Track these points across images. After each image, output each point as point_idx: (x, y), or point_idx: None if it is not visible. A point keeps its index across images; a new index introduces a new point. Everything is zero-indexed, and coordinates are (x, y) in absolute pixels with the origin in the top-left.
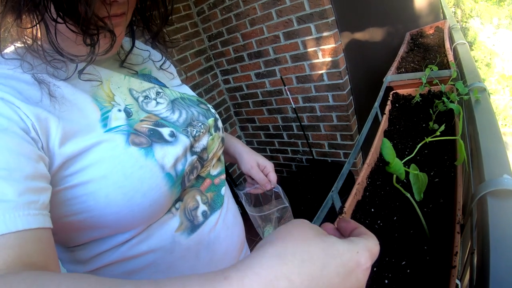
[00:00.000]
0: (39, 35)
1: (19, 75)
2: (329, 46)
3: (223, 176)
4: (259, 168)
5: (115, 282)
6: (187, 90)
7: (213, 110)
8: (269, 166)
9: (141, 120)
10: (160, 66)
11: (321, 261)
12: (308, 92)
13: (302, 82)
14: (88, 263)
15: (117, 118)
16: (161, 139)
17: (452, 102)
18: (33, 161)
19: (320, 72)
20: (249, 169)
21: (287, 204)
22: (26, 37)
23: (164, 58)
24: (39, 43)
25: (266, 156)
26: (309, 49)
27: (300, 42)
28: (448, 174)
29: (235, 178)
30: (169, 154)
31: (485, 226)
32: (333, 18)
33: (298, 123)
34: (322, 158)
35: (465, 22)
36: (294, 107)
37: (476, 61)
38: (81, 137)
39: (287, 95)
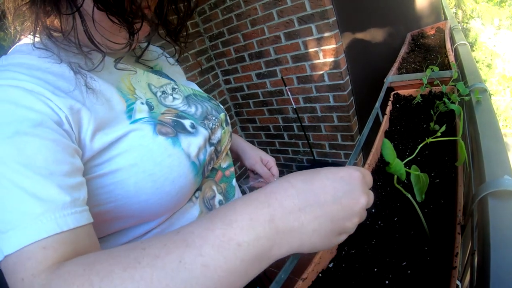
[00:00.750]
0: (67, 27)
1: (48, 66)
2: (330, 46)
3: (232, 169)
4: (262, 162)
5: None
6: (195, 87)
7: (221, 106)
8: (271, 160)
9: (162, 113)
10: (177, 60)
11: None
12: (309, 92)
13: (303, 83)
14: None
15: (141, 111)
16: (184, 129)
17: (453, 103)
18: (69, 156)
19: (321, 72)
20: (253, 164)
21: None
22: (53, 29)
23: (175, 53)
24: (65, 34)
25: None
26: (310, 50)
27: (301, 43)
28: (449, 175)
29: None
30: (193, 144)
31: (485, 227)
32: (334, 18)
33: (299, 124)
34: (322, 158)
35: (466, 23)
36: (295, 107)
37: (477, 62)
38: (110, 128)
39: (288, 95)
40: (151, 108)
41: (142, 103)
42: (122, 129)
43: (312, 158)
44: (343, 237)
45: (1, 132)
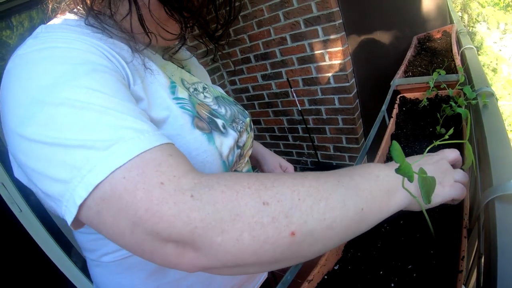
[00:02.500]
0: (120, 10)
1: (107, 43)
2: (336, 49)
3: None
4: (281, 169)
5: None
6: (222, 91)
7: (246, 112)
8: (290, 167)
9: (198, 104)
10: (213, 59)
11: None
12: (314, 94)
13: (309, 85)
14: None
15: (182, 91)
16: (217, 128)
17: (459, 106)
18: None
19: (327, 74)
20: (273, 170)
21: None
22: (96, 10)
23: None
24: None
25: None
26: (316, 52)
27: (307, 45)
28: None
29: None
30: (225, 144)
31: (492, 231)
32: (341, 21)
33: (304, 126)
34: (327, 161)
35: (472, 26)
36: (300, 109)
37: (482, 66)
38: (152, 101)
39: (293, 97)
40: (189, 94)
41: (181, 87)
42: (166, 102)
43: (317, 160)
44: (447, 189)
45: (78, 69)
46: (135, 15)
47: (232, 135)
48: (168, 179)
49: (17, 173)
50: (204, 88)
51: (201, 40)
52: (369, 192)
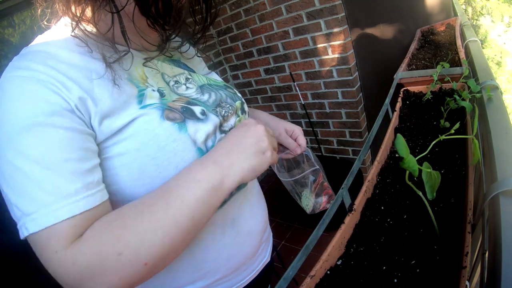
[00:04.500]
0: (104, 21)
1: (68, 56)
2: (339, 42)
3: None
4: (287, 133)
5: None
6: (216, 77)
7: (239, 94)
8: (297, 130)
9: (173, 101)
10: (196, 54)
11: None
12: (317, 88)
13: (312, 78)
14: None
15: (152, 97)
16: (193, 116)
17: (463, 100)
18: (83, 140)
19: (330, 68)
20: (278, 136)
21: (318, 167)
22: (85, 23)
23: (193, 48)
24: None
25: None
26: (319, 45)
27: (310, 38)
28: (459, 173)
29: None
30: (201, 130)
31: (497, 227)
32: (343, 14)
33: (307, 120)
34: (330, 155)
35: (476, 19)
36: (303, 103)
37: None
38: (119, 114)
39: (296, 91)
40: (162, 95)
41: (154, 90)
42: (132, 114)
43: (320, 154)
44: (269, 154)
45: (19, 124)
46: (118, 27)
47: (212, 121)
48: (60, 250)
49: None
50: (187, 79)
51: (186, 41)
52: (194, 200)
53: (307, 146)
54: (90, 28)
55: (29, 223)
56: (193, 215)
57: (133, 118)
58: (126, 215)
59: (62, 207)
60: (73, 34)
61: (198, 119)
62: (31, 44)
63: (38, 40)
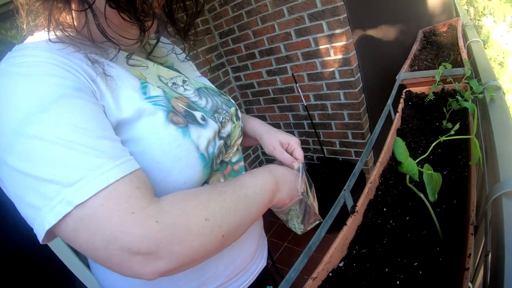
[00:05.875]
0: (80, 22)
1: (71, 58)
2: (341, 43)
3: (242, 163)
4: (283, 147)
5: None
6: (207, 82)
7: (232, 101)
8: (293, 142)
9: (176, 98)
10: (186, 57)
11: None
12: (320, 89)
13: (314, 80)
14: None
15: (155, 89)
16: (195, 121)
17: (466, 100)
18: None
19: (332, 69)
20: (272, 151)
21: (303, 192)
22: (66, 25)
23: (185, 49)
24: (78, 30)
25: None
26: (321, 47)
27: (312, 40)
28: (462, 174)
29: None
30: (202, 136)
31: (500, 228)
32: (345, 15)
33: (309, 121)
34: (333, 156)
35: (478, 20)
36: (305, 104)
37: (489, 59)
38: (123, 106)
39: (299, 92)
40: (164, 91)
41: (155, 86)
42: (138, 104)
43: (323, 155)
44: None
45: (46, 98)
46: (94, 25)
47: (211, 127)
48: (138, 209)
49: None
50: (184, 81)
51: (176, 37)
52: (261, 187)
53: (310, 150)
54: (73, 33)
55: (77, 192)
56: (258, 202)
57: (138, 112)
58: (208, 189)
59: (116, 166)
60: (53, 39)
61: (199, 124)
62: (21, 49)
63: (26, 48)
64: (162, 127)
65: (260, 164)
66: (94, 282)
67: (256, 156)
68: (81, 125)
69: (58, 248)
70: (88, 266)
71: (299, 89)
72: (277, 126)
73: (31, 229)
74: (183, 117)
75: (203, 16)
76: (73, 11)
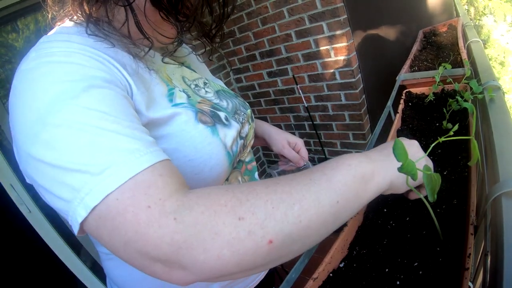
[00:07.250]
0: (117, 17)
1: (105, 50)
2: (342, 44)
3: (254, 163)
4: (290, 146)
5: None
6: (222, 84)
7: (247, 103)
8: (299, 142)
9: (199, 102)
10: (209, 57)
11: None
12: (320, 91)
13: (314, 81)
14: None
15: (181, 97)
16: (220, 121)
17: (466, 101)
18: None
19: (333, 70)
20: (281, 149)
21: None
22: (95, 17)
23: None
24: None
25: None
26: (321, 48)
27: (312, 41)
28: (462, 174)
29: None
30: (228, 135)
31: (499, 228)
32: (345, 16)
33: (310, 122)
34: (334, 157)
35: (479, 19)
36: (306, 106)
37: (490, 59)
38: (154, 108)
39: (299, 94)
40: (188, 96)
41: (180, 91)
42: (166, 110)
43: (324, 157)
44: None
45: (76, 86)
46: (133, 22)
47: (235, 126)
48: (155, 202)
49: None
50: (205, 84)
51: (200, 40)
52: (343, 184)
53: (311, 151)
54: (106, 26)
55: (104, 181)
56: (338, 199)
57: (171, 115)
58: (254, 184)
59: (145, 154)
60: (89, 32)
61: (224, 124)
62: (46, 36)
63: (60, 33)
64: (193, 126)
65: (262, 165)
66: (94, 282)
67: (258, 158)
68: (112, 113)
69: (58, 248)
70: (88, 266)
71: (300, 91)
72: (278, 127)
73: (31, 229)
74: (210, 117)
75: (203, 18)
76: (107, 6)
